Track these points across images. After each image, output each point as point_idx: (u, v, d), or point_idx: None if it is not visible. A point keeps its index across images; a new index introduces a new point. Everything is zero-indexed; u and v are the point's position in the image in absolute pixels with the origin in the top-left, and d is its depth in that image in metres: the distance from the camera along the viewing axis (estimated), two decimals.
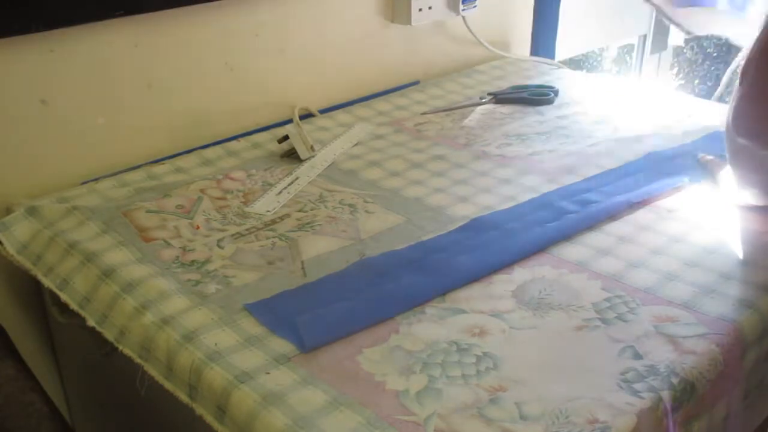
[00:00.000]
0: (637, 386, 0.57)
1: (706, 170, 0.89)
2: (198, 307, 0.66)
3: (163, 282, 0.69)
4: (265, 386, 0.56)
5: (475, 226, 0.79)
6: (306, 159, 0.94)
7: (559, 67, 1.29)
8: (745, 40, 0.73)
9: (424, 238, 0.76)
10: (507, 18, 1.37)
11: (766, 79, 0.69)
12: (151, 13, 0.89)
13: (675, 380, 0.57)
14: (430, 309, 0.66)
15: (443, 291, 0.68)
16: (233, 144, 0.98)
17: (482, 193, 0.86)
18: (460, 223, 0.79)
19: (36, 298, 0.88)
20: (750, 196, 0.80)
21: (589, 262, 0.73)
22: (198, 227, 0.79)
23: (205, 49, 0.97)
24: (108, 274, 0.70)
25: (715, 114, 1.05)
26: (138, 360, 0.64)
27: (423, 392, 0.56)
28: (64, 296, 0.71)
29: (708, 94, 1.57)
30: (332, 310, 0.65)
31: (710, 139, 0.97)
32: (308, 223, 0.79)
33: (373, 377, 0.58)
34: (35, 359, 0.90)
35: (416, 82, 1.23)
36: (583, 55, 2.00)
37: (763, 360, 0.68)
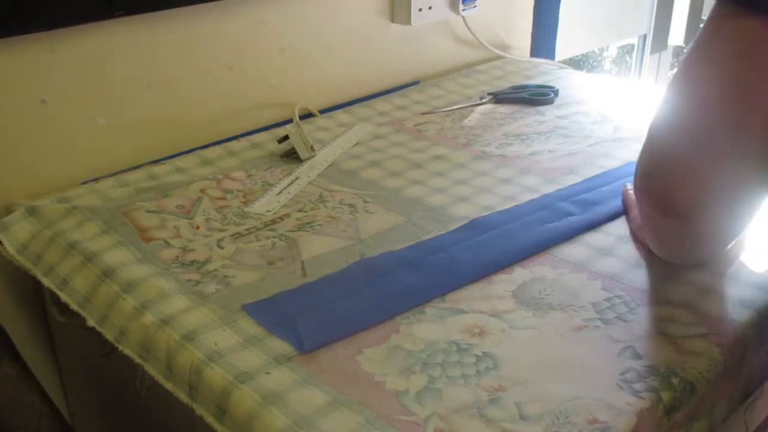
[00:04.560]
0: (637, 386, 0.57)
1: (624, 202, 0.81)
2: (198, 307, 0.66)
3: (163, 282, 0.69)
4: (265, 386, 0.56)
5: (475, 226, 0.79)
6: (306, 159, 0.94)
7: (560, 67, 1.29)
8: None
9: (424, 238, 0.76)
10: (507, 18, 1.37)
11: (679, 144, 0.55)
12: (151, 13, 0.89)
13: (675, 380, 0.57)
14: (430, 309, 0.66)
15: (443, 291, 0.68)
16: (233, 144, 0.98)
17: (482, 193, 0.86)
18: (460, 223, 0.79)
19: (36, 298, 0.88)
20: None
21: (589, 262, 0.72)
22: (198, 227, 0.79)
23: (205, 49, 0.97)
24: (108, 274, 0.70)
25: None
26: (138, 360, 0.64)
27: (423, 392, 0.56)
28: (64, 296, 0.71)
29: None
30: (331, 310, 0.65)
31: None
32: (308, 223, 0.79)
33: (373, 377, 0.58)
34: (35, 359, 0.90)
35: (416, 82, 1.23)
36: (583, 55, 2.00)
37: (763, 360, 0.68)
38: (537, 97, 1.13)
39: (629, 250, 0.74)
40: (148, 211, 0.81)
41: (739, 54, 0.50)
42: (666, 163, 0.56)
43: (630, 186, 0.81)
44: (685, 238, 0.62)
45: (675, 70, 0.58)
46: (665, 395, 0.56)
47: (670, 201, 0.57)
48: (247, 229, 0.78)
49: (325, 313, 0.65)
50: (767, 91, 0.49)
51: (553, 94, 1.13)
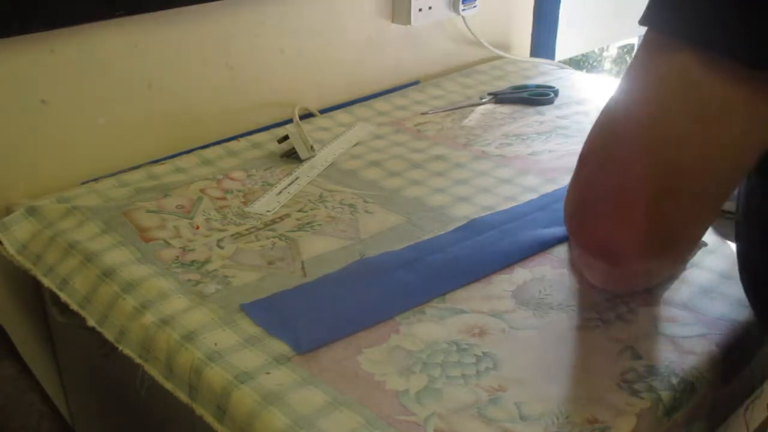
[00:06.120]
0: (637, 386, 0.57)
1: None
2: (198, 307, 0.66)
3: (163, 282, 0.69)
4: (265, 386, 0.56)
5: (475, 226, 0.79)
6: (306, 159, 0.94)
7: (560, 67, 1.29)
8: None
9: (424, 239, 0.76)
10: (507, 18, 1.37)
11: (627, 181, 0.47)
12: (151, 13, 0.89)
13: (675, 380, 0.57)
14: (430, 309, 0.66)
15: (443, 291, 0.68)
16: (233, 144, 0.98)
17: (482, 193, 0.86)
18: (461, 223, 0.79)
19: (36, 298, 0.88)
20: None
21: None
22: (198, 227, 0.79)
23: (205, 49, 0.97)
24: (108, 274, 0.70)
25: None
26: (138, 360, 0.64)
27: (423, 392, 0.56)
28: (64, 296, 0.71)
29: None
30: (330, 310, 0.65)
31: None
32: (308, 223, 0.79)
33: (373, 377, 0.58)
34: (35, 359, 0.90)
35: (416, 82, 1.23)
36: (583, 55, 2.00)
37: (763, 360, 0.68)
38: (537, 97, 1.13)
39: None
40: (148, 211, 0.81)
41: (672, 92, 0.45)
42: (600, 205, 0.49)
43: None
44: (626, 277, 0.59)
45: (604, 107, 0.50)
46: (665, 395, 0.56)
47: (607, 247, 0.50)
48: (247, 229, 0.78)
49: (323, 313, 0.65)
50: (703, 134, 0.44)
51: (553, 94, 1.13)
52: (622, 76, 0.49)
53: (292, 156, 0.94)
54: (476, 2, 1.24)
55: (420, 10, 1.17)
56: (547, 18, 1.43)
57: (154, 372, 0.62)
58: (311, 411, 0.54)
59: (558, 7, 1.44)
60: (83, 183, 0.88)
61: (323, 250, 0.75)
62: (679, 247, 0.51)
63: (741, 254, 0.59)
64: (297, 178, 0.89)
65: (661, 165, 0.45)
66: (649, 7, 0.47)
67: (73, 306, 0.70)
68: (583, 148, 0.51)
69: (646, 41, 0.48)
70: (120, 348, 0.65)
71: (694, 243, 0.50)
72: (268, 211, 0.82)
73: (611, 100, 0.49)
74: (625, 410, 0.54)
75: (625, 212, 0.48)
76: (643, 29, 0.49)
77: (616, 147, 0.48)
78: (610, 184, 0.48)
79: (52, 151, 0.87)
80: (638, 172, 0.46)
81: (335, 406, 0.55)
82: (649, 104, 0.46)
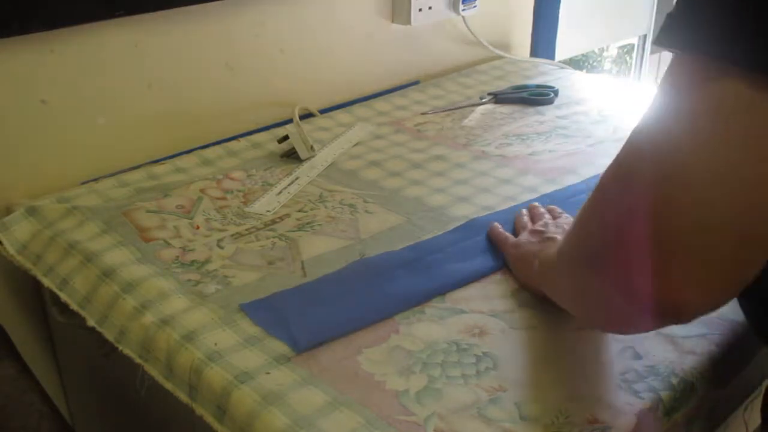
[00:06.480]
0: (637, 386, 0.57)
1: (496, 244, 0.75)
2: (198, 307, 0.66)
3: (163, 282, 0.69)
4: (265, 386, 0.56)
5: (474, 226, 0.78)
6: (306, 159, 0.94)
7: (560, 67, 1.29)
8: None
9: (424, 239, 0.76)
10: (507, 18, 1.37)
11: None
12: (151, 13, 0.89)
13: (675, 380, 0.57)
14: (430, 309, 0.66)
15: (443, 291, 0.68)
16: (233, 144, 0.98)
17: (482, 193, 0.86)
18: (460, 223, 0.79)
19: (36, 298, 0.88)
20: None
21: None
22: (198, 227, 0.79)
23: (205, 49, 0.97)
24: (108, 274, 0.70)
25: None
26: (138, 360, 0.64)
27: (423, 392, 0.56)
28: (64, 296, 0.71)
29: None
30: (329, 310, 0.65)
31: None
32: (308, 223, 0.79)
33: (373, 377, 0.58)
34: (35, 359, 0.90)
35: (416, 82, 1.23)
36: (583, 55, 2.00)
37: (763, 360, 0.68)
38: (537, 97, 1.13)
39: None
40: (148, 211, 0.81)
41: (733, 125, 0.38)
42: (671, 257, 0.40)
43: (498, 227, 0.76)
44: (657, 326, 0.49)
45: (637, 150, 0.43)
46: (665, 395, 0.56)
47: (675, 303, 0.41)
48: (247, 229, 0.78)
49: (322, 312, 0.65)
50: None
51: (553, 94, 1.13)
52: (654, 104, 0.42)
53: (292, 156, 0.94)
54: (476, 2, 1.24)
55: (420, 10, 1.17)
56: (547, 18, 1.43)
57: (154, 372, 0.62)
58: (311, 411, 0.54)
59: (558, 7, 1.44)
60: (83, 183, 0.88)
61: (323, 250, 0.75)
62: (743, 287, 0.43)
63: None
64: (297, 178, 0.89)
65: (742, 207, 0.39)
66: (681, 27, 0.40)
67: (73, 306, 0.70)
68: (620, 191, 0.43)
69: (683, 68, 0.41)
70: (120, 348, 0.65)
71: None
72: (268, 211, 0.82)
73: (654, 141, 0.42)
74: (625, 410, 0.54)
75: (705, 263, 0.40)
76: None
77: (680, 190, 0.40)
78: (674, 234, 0.40)
79: (52, 151, 0.87)
80: (715, 220, 0.39)
81: (335, 406, 0.55)
82: (710, 139, 0.39)
